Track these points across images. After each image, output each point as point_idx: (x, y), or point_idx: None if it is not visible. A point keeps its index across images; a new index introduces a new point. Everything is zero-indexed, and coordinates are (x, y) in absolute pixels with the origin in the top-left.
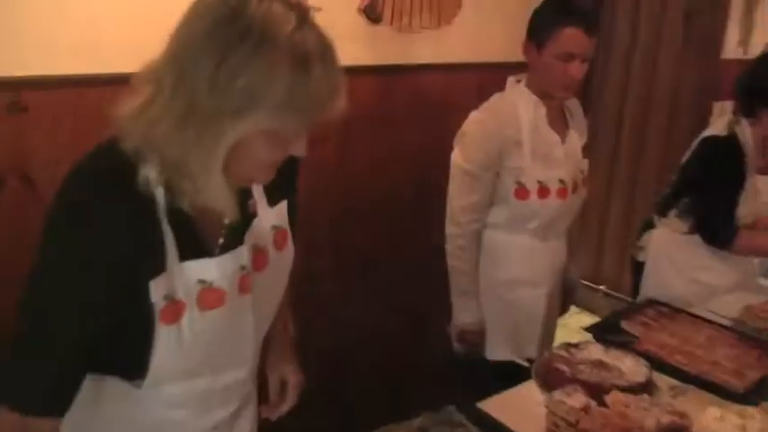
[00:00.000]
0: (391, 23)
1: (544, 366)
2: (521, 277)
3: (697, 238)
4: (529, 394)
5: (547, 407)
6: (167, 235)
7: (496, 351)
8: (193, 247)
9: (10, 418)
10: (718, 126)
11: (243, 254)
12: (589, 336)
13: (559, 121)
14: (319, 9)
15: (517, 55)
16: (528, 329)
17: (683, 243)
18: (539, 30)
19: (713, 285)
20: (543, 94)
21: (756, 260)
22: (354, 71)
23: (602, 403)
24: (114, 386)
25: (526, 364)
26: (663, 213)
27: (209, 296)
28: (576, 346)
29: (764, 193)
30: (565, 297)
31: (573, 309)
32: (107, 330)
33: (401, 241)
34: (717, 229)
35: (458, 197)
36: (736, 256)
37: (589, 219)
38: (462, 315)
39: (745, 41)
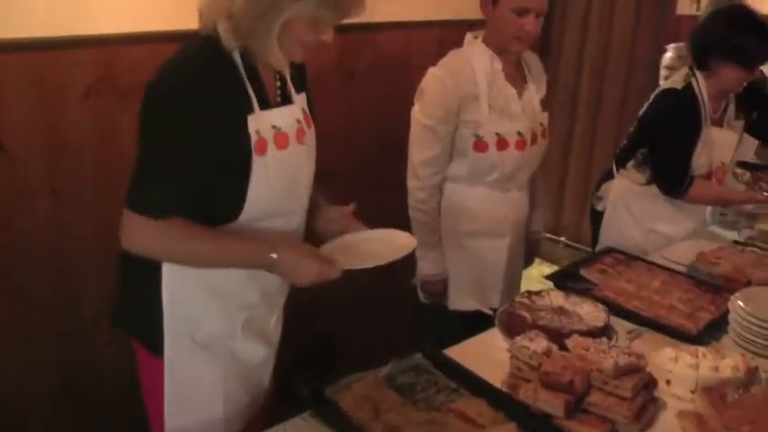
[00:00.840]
0: None
1: (507, 314)
2: (482, 228)
3: (654, 189)
4: (492, 341)
5: (510, 352)
6: (249, 88)
7: (461, 301)
8: (264, 99)
9: (148, 223)
10: (675, 79)
11: (297, 109)
12: (550, 284)
13: (517, 76)
14: None
15: (477, 12)
16: (491, 279)
17: (641, 194)
18: None
19: (668, 234)
20: (499, 49)
21: (708, 209)
22: None
23: (563, 347)
24: None
25: (490, 312)
26: (621, 164)
27: (280, 138)
28: (537, 293)
29: (719, 144)
30: (529, 249)
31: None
32: (217, 168)
33: (366, 196)
34: (672, 179)
35: (417, 152)
36: (690, 206)
37: (549, 171)
38: (425, 266)
39: None
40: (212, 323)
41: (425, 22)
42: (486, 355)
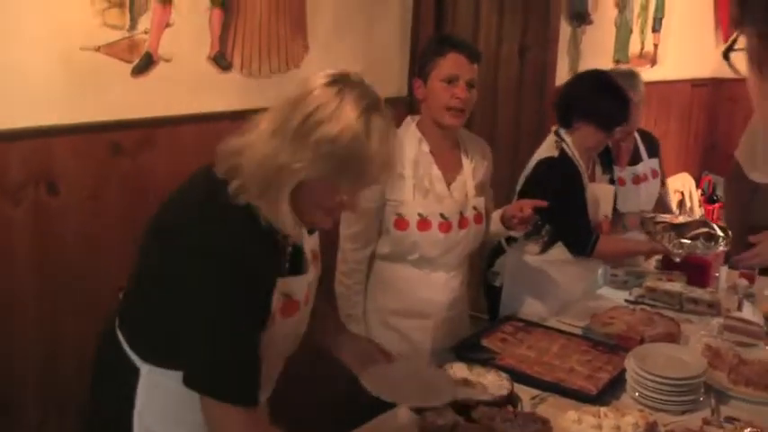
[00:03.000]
0: (241, 70)
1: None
2: (406, 307)
3: (547, 257)
4: (402, 418)
5: (419, 428)
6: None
7: None
8: (284, 265)
9: (242, 416)
10: (544, 149)
11: (311, 276)
12: (452, 355)
13: (452, 158)
14: (169, 60)
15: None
16: (416, 358)
17: (537, 264)
18: (424, 64)
19: (564, 299)
20: (436, 127)
21: (600, 271)
22: (210, 118)
23: (470, 419)
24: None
25: None
26: (512, 238)
27: (289, 306)
28: (441, 367)
29: (601, 199)
30: None
31: None
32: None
33: None
34: (580, 241)
35: (343, 227)
36: (582, 270)
37: None
38: None
39: (574, 69)
40: None
41: None
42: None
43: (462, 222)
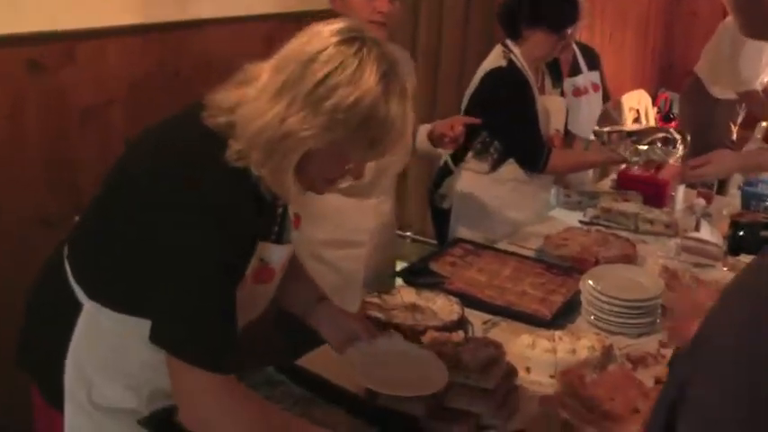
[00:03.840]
0: None
1: (360, 316)
2: (337, 237)
3: (498, 176)
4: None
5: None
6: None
7: None
8: (266, 230)
9: (215, 385)
10: (490, 61)
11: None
12: (400, 281)
13: None
14: None
15: (306, 4)
16: (348, 289)
17: (486, 183)
18: None
19: (516, 220)
20: None
21: (552, 192)
22: (134, 30)
23: (420, 345)
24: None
25: None
26: (459, 159)
27: (265, 273)
28: (387, 292)
29: (552, 112)
30: None
31: None
32: None
33: None
34: (532, 155)
35: None
36: (535, 191)
37: None
38: None
39: None
40: (114, 394)
41: (252, 17)
42: (341, 361)
43: None
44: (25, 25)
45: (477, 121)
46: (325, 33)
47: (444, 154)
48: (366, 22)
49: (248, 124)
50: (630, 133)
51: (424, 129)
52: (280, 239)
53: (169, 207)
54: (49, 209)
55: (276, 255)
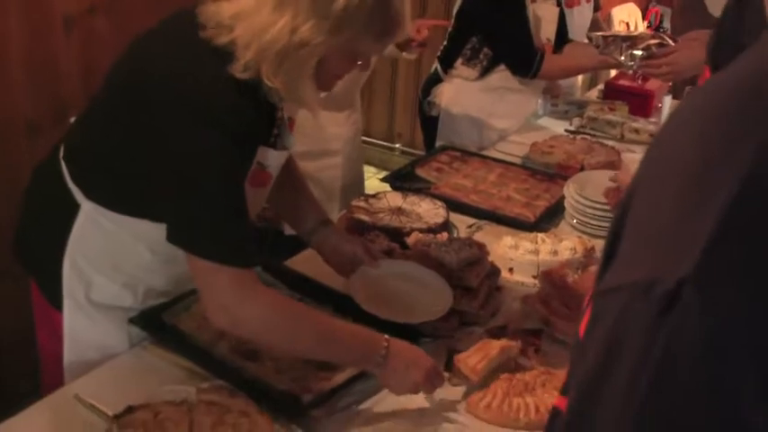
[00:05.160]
0: None
1: (345, 219)
2: (314, 149)
3: (486, 83)
4: None
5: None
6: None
7: None
8: (266, 135)
9: (231, 277)
10: None
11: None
12: (386, 186)
13: None
14: None
15: None
16: (326, 198)
17: (475, 90)
18: None
19: (503, 129)
20: None
21: (540, 101)
22: None
23: (404, 247)
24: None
25: None
26: (448, 65)
27: (262, 176)
28: (374, 196)
29: (543, 20)
30: None
31: (372, 169)
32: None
33: None
34: (523, 59)
35: None
36: (522, 99)
37: (378, 80)
38: None
39: None
40: (111, 292)
41: None
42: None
43: None
44: None
45: (443, 22)
46: None
47: (408, 57)
48: None
49: (255, 38)
50: (625, 38)
51: None
52: (277, 145)
53: (177, 114)
54: (34, 115)
55: (274, 160)
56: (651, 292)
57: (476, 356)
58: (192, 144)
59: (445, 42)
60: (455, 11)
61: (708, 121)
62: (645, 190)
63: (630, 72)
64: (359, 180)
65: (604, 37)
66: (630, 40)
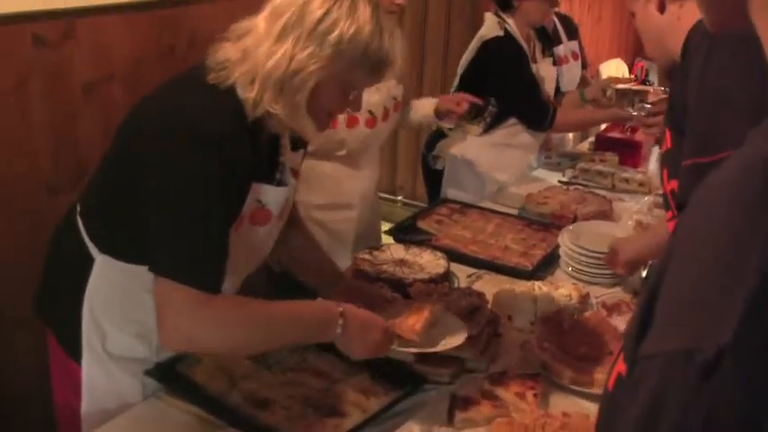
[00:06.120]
0: None
1: (351, 271)
2: (331, 201)
3: (490, 139)
4: None
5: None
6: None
7: None
8: (263, 172)
9: (191, 295)
10: (486, 31)
11: (289, 190)
12: (390, 239)
13: None
14: None
15: None
16: (339, 250)
17: (479, 145)
18: None
19: (501, 181)
20: None
21: (534, 154)
22: (133, 8)
23: (407, 297)
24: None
25: None
26: None
27: (261, 214)
28: (378, 248)
29: (545, 78)
30: None
31: None
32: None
33: None
34: (539, 114)
35: None
36: (518, 153)
37: None
38: None
39: None
40: (126, 343)
41: None
42: None
43: (385, 115)
44: (28, 3)
45: (478, 100)
46: None
47: (444, 127)
48: (384, 11)
49: (258, 70)
50: (636, 92)
51: (422, 104)
52: (277, 182)
53: (164, 145)
54: (54, 178)
55: (272, 197)
56: (691, 361)
57: (412, 319)
58: (176, 169)
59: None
60: (460, 71)
61: (732, 206)
62: (679, 262)
63: (638, 124)
64: (374, 233)
65: (617, 90)
66: (641, 94)
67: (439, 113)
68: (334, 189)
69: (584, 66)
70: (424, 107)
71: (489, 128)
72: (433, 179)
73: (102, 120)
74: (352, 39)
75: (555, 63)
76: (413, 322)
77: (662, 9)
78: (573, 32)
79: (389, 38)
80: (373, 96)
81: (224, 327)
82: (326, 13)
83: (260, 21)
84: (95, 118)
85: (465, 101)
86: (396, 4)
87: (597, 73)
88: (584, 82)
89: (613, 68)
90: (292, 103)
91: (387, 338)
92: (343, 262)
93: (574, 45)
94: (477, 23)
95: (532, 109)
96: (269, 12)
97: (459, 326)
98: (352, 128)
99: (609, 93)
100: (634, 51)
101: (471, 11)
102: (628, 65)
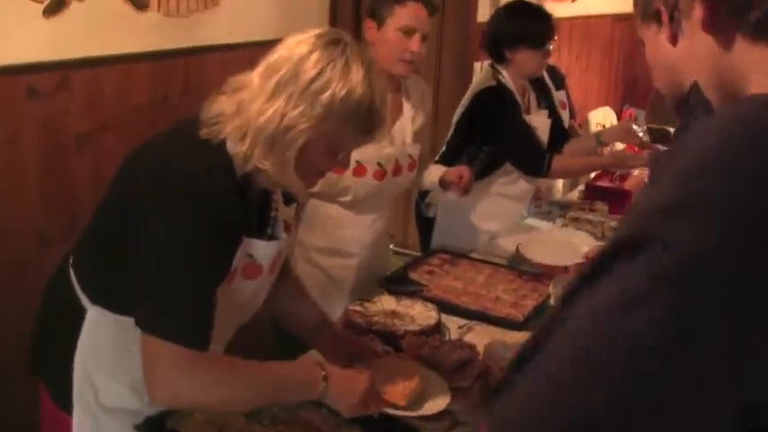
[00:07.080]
0: (158, 9)
1: (342, 323)
2: (331, 245)
3: (484, 189)
4: None
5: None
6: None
7: None
8: (253, 227)
9: (179, 354)
10: (480, 82)
11: (282, 243)
12: (382, 290)
13: (393, 102)
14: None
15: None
16: (336, 296)
17: (470, 196)
18: (379, 7)
19: (492, 231)
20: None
21: (525, 204)
22: (127, 59)
23: (398, 349)
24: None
25: None
26: None
27: (251, 269)
28: (369, 300)
29: (539, 129)
30: None
31: None
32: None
33: None
34: (535, 161)
35: None
36: (508, 203)
37: None
38: None
39: (495, 4)
40: (118, 396)
41: (236, 45)
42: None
43: (396, 170)
44: (22, 56)
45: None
46: (310, 38)
47: (450, 198)
48: (397, 60)
49: (250, 126)
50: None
51: (432, 171)
52: (267, 236)
53: (159, 198)
54: (47, 228)
55: (263, 251)
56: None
57: (401, 386)
58: (169, 224)
59: (444, 149)
60: (454, 120)
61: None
62: None
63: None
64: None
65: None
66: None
67: (443, 184)
68: (335, 233)
69: (572, 115)
70: (433, 174)
71: (482, 176)
72: (427, 226)
73: (95, 169)
74: (343, 99)
75: (550, 114)
76: (401, 390)
77: (674, 42)
78: (560, 82)
79: (381, 99)
80: (385, 149)
81: (209, 385)
82: (320, 73)
83: (255, 76)
84: (88, 168)
85: (467, 173)
86: (410, 52)
87: (586, 121)
88: (572, 131)
89: (602, 116)
90: (282, 159)
91: (372, 398)
92: (340, 307)
93: (562, 95)
94: (467, 76)
95: (528, 155)
96: (264, 68)
97: (443, 390)
98: (359, 177)
99: (643, 132)
100: (622, 99)
101: (460, 64)
102: (616, 113)
